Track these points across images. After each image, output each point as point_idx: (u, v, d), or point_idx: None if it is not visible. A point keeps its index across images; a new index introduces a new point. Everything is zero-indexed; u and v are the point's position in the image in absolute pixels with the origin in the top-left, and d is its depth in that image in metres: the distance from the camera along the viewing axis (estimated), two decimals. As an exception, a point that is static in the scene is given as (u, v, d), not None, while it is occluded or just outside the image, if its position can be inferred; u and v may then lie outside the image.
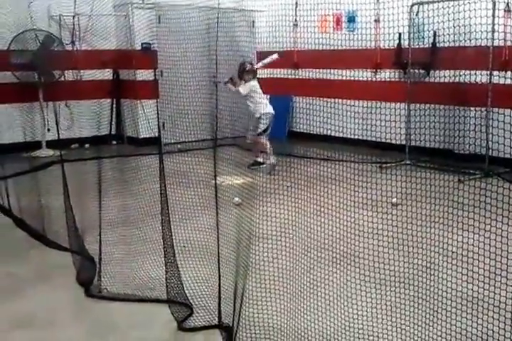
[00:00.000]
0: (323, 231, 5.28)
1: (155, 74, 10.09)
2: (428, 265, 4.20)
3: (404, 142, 8.38)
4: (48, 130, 9.21)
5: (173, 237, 4.12)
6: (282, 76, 10.89)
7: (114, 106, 10.37)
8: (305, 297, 3.86)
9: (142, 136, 10.16)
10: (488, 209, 5.21)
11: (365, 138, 9.14)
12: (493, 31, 7.21)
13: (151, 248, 4.74)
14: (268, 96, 8.89)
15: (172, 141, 10.09)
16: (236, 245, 3.93)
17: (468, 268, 3.97)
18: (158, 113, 10.14)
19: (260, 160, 8.47)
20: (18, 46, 8.88)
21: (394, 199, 5.90)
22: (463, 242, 4.45)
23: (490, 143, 7.43)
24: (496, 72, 7.46)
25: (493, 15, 7.19)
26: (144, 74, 10.08)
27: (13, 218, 5.83)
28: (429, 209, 5.62)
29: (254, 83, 8.44)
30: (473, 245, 4.15)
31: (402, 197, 6.07)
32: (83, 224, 5.07)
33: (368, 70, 9.43)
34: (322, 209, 6.00)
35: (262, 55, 11.06)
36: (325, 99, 9.89)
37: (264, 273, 4.11)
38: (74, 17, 9.39)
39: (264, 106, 8.43)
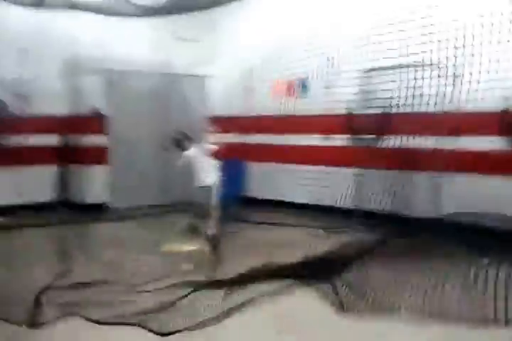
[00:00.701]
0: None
1: (107, 139, 9.99)
2: None
3: (354, 206, 8.36)
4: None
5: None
6: (235, 141, 10.88)
7: (62, 171, 10.13)
8: None
9: (90, 202, 9.93)
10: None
11: (316, 202, 9.11)
12: (444, 97, 7.35)
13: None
14: (217, 162, 8.72)
15: (121, 207, 9.89)
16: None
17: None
18: (108, 178, 10.10)
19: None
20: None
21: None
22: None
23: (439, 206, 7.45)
24: (445, 138, 7.56)
25: (444, 82, 7.34)
26: (92, 139, 9.95)
27: None
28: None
29: (195, 150, 7.84)
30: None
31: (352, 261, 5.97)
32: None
33: (320, 136, 9.49)
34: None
35: (214, 120, 11.13)
36: (278, 164, 10.06)
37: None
38: (23, 82, 9.25)
39: (213, 174, 7.87)
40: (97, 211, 9.71)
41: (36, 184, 9.57)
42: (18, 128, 9.14)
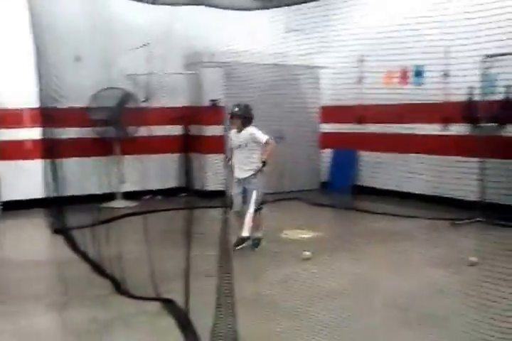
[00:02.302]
0: (397, 289, 5.13)
1: (223, 130, 10.32)
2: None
3: (476, 198, 8.15)
4: (123, 182, 9.60)
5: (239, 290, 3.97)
6: (347, 131, 10.90)
7: (184, 160, 10.60)
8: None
9: (209, 189, 10.28)
10: None
11: (434, 193, 8.93)
12: None
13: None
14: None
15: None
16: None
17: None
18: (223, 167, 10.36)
19: (246, 234, 6.70)
20: (97, 103, 9.29)
21: (473, 258, 5.69)
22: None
23: None
24: None
25: None
26: (211, 130, 10.33)
27: (92, 265, 5.97)
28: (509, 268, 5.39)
29: (252, 130, 6.87)
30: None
31: (477, 255, 5.86)
32: (158, 273, 5.04)
33: (437, 124, 9.30)
34: (394, 267, 5.88)
35: (326, 110, 11.20)
36: (392, 153, 9.96)
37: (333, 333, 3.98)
38: (147, 75, 9.73)
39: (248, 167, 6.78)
40: (216, 197, 10.02)
41: (160, 171, 10.14)
42: (145, 120, 9.65)
